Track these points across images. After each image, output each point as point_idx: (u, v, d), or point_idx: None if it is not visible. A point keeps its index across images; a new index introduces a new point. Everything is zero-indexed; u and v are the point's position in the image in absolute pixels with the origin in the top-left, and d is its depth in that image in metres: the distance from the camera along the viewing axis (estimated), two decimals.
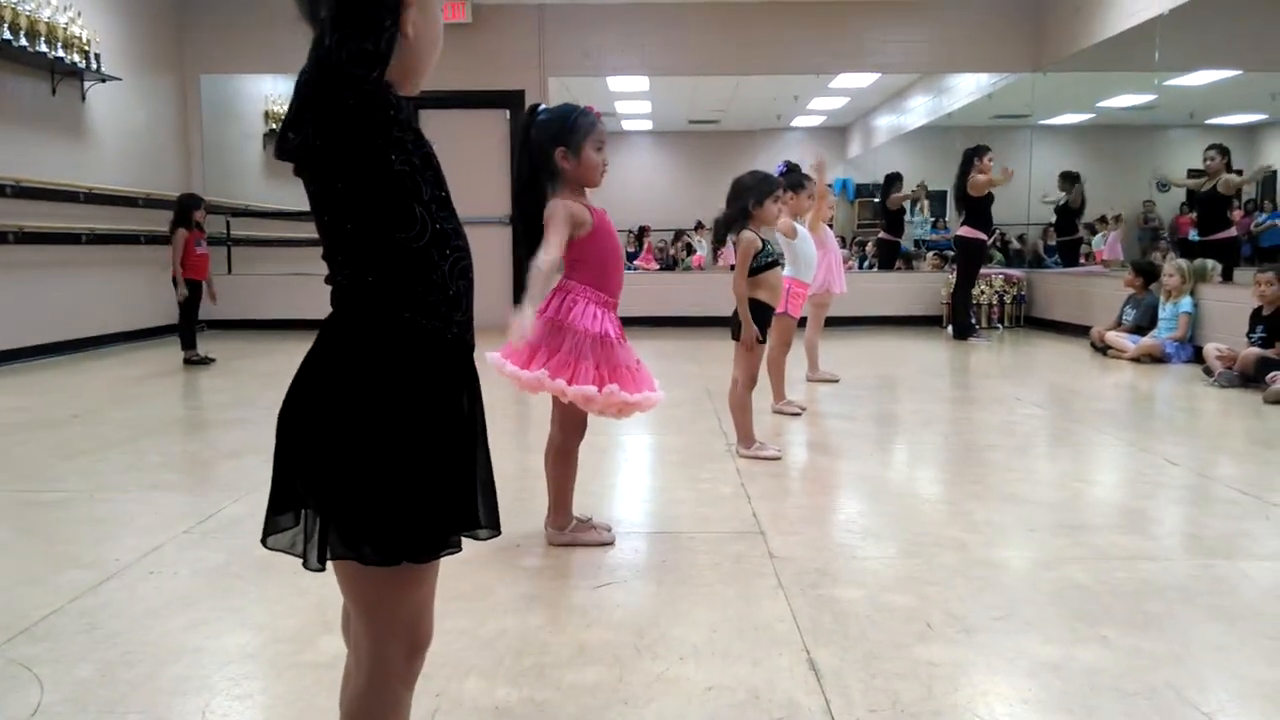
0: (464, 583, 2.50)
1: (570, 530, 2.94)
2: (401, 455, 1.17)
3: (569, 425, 2.94)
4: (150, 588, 2.58)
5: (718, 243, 4.38)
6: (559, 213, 2.71)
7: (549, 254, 2.62)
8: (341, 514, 1.17)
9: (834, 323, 9.29)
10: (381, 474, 1.17)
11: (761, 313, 4.03)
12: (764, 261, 3.99)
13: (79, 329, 8.03)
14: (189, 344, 7.25)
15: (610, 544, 2.93)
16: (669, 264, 12.95)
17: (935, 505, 3.46)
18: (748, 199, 3.96)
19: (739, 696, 1.94)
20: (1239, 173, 8.35)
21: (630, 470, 4.06)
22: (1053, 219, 11.16)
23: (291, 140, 1.15)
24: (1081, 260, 10.90)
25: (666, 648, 2.17)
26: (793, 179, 5.09)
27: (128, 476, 3.81)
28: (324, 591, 2.40)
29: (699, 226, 13.86)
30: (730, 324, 4.07)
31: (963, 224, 9.00)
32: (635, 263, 12.13)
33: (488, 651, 2.15)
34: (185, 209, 7.26)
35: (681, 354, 7.78)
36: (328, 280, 1.23)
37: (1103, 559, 2.77)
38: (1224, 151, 7.92)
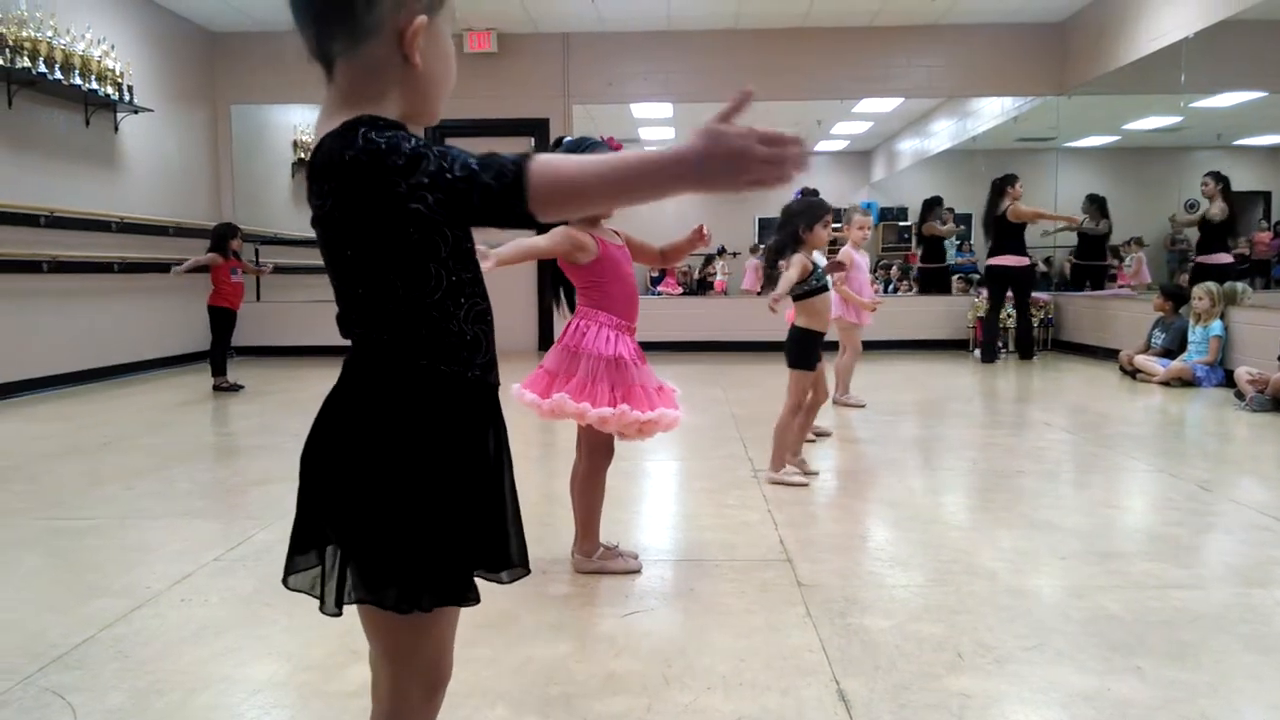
0: (490, 610, 2.50)
1: (597, 558, 2.94)
2: (423, 500, 1.16)
3: (594, 451, 2.94)
4: (181, 616, 2.59)
5: (770, 268, 4.39)
6: (556, 233, 2.79)
7: (518, 241, 2.65)
8: (364, 558, 1.16)
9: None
10: (404, 519, 1.15)
11: (810, 339, 4.08)
12: (813, 285, 4.04)
13: (110, 356, 8.14)
14: (219, 370, 7.32)
15: (637, 572, 2.93)
16: (693, 289, 12.95)
17: (964, 532, 3.43)
18: (798, 224, 4.04)
19: None
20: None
21: (656, 497, 4.06)
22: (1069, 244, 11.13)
23: (312, 202, 1.15)
24: (1106, 284, 10.84)
25: (694, 677, 2.16)
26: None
27: (158, 504, 3.84)
28: (351, 621, 2.39)
29: (721, 252, 13.88)
30: (786, 349, 4.12)
31: (998, 252, 9.07)
32: (659, 288, 12.14)
33: (515, 680, 2.15)
34: (222, 237, 7.38)
35: (705, 378, 7.77)
36: (344, 334, 1.22)
37: (1135, 587, 2.74)
38: (1218, 178, 8.23)
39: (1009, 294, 9.25)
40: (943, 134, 12.68)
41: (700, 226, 2.97)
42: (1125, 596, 2.66)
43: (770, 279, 4.56)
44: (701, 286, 13.00)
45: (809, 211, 4.07)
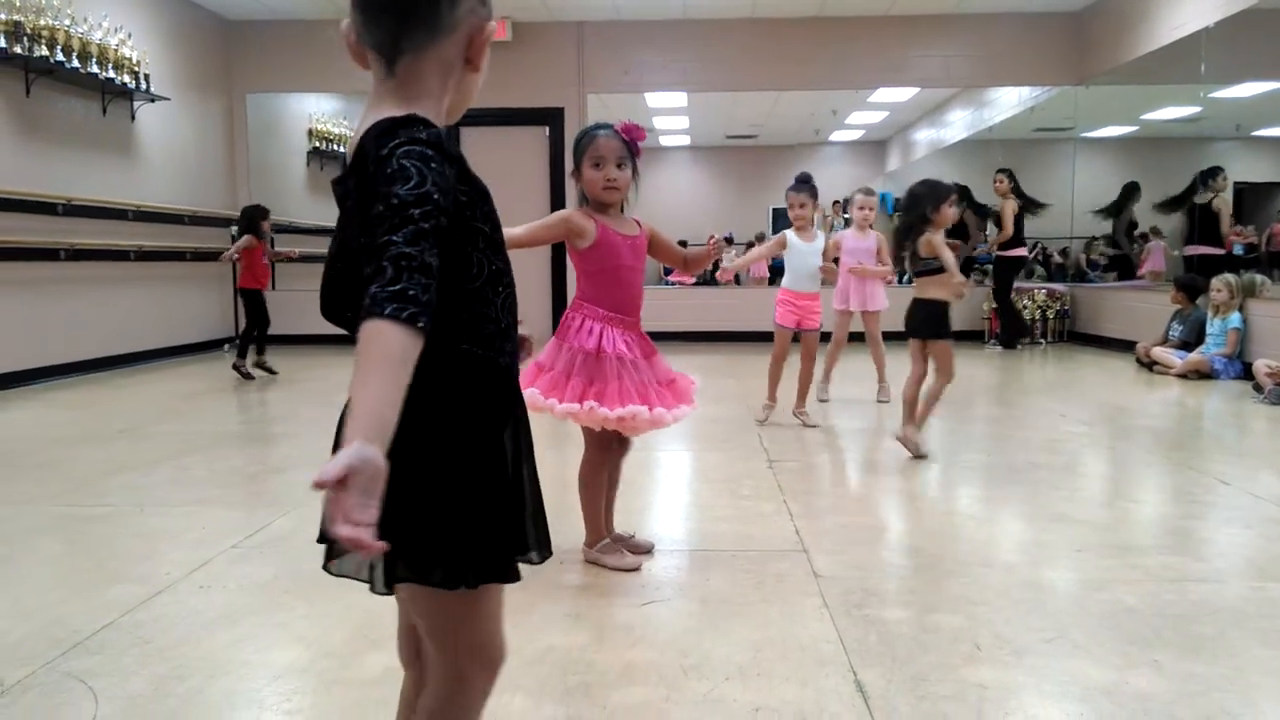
0: (508, 600, 2.50)
1: (598, 549, 2.93)
2: (467, 480, 1.18)
3: (591, 444, 2.94)
4: (200, 602, 2.61)
5: (899, 249, 4.50)
6: (555, 217, 2.81)
7: (513, 229, 2.64)
8: (411, 539, 1.17)
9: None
10: (450, 499, 1.17)
11: (943, 309, 4.32)
12: (934, 265, 4.23)
13: (127, 344, 8.18)
14: (242, 354, 7.41)
15: (634, 569, 2.87)
16: (704, 279, 12.92)
17: (981, 524, 3.43)
18: (925, 206, 4.22)
19: (786, 717, 1.92)
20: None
21: (671, 487, 4.06)
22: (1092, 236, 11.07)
23: (349, 186, 1.15)
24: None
25: (712, 668, 2.16)
26: (812, 190, 5.11)
27: (175, 491, 3.87)
28: (370, 607, 2.41)
29: (730, 240, 13.87)
30: (915, 323, 4.36)
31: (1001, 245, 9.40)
32: (670, 278, 12.11)
33: (534, 670, 2.16)
34: (253, 219, 7.43)
35: (719, 369, 7.77)
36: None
37: (1153, 580, 2.73)
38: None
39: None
40: (959, 124, 12.61)
41: (712, 237, 2.94)
42: (1143, 590, 2.65)
43: (897, 260, 4.69)
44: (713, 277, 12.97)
45: (935, 193, 4.23)
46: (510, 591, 1.31)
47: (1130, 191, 11.25)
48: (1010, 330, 9.54)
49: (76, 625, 2.43)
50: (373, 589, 1.24)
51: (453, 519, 1.17)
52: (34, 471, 4.23)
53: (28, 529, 3.38)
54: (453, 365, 1.19)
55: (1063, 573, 2.84)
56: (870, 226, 6.07)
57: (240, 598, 2.65)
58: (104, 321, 7.91)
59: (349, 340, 1.10)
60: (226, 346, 9.65)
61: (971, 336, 10.05)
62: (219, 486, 3.98)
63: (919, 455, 4.33)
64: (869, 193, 6.06)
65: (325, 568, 1.26)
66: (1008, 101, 11.06)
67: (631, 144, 2.80)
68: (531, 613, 2.49)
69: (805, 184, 5.06)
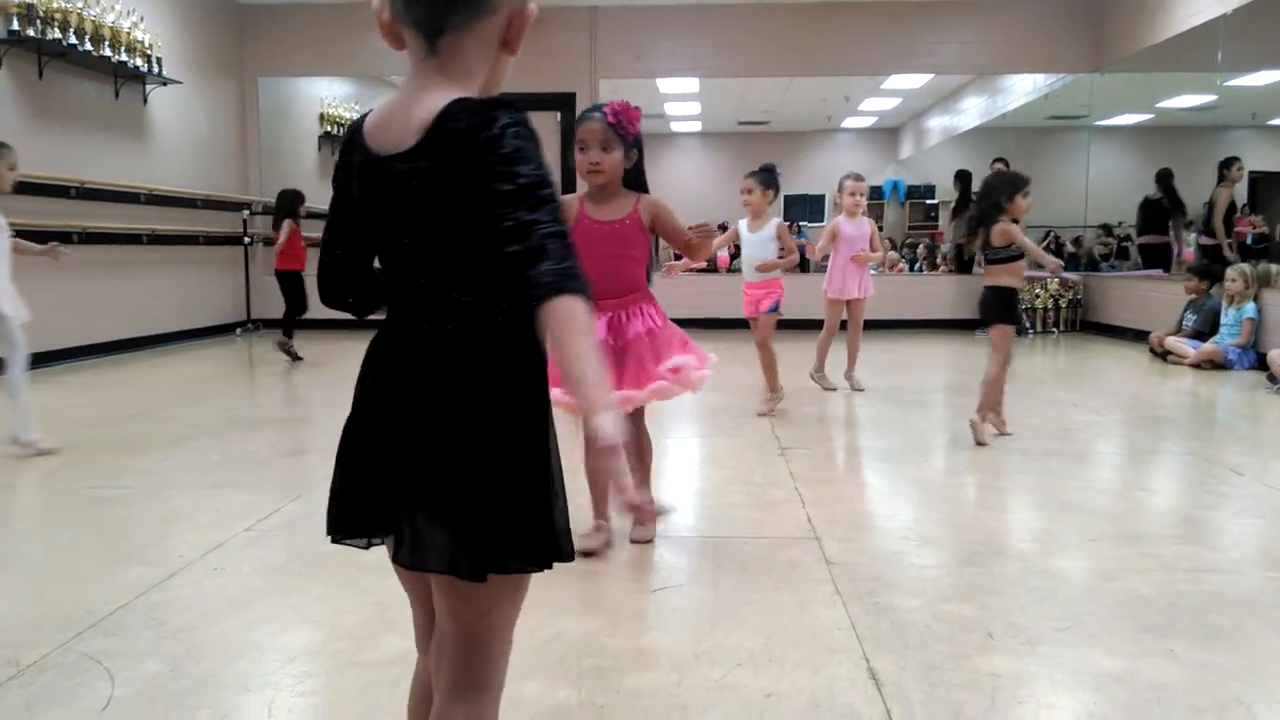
0: None
1: (589, 530, 2.91)
2: (544, 464, 1.17)
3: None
4: (214, 584, 2.62)
5: (970, 236, 4.59)
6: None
7: None
8: (490, 529, 1.13)
9: (880, 325, 9.25)
10: (532, 484, 1.15)
11: (1012, 296, 4.48)
12: (1015, 252, 4.34)
13: (140, 328, 8.20)
14: (289, 332, 7.50)
15: (593, 553, 2.82)
16: (713, 265, 12.88)
17: (993, 513, 3.42)
18: (999, 195, 4.35)
19: (799, 704, 1.92)
20: None
21: (682, 473, 4.06)
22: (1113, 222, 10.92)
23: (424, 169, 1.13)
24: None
25: (724, 653, 2.16)
26: (765, 178, 5.08)
27: (189, 474, 3.88)
28: (382, 592, 2.43)
29: (724, 228, 13.84)
30: (987, 308, 4.49)
31: None
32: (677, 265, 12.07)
33: (546, 654, 2.16)
34: (291, 203, 7.46)
35: (729, 356, 7.73)
36: (415, 295, 1.19)
37: (1167, 570, 2.72)
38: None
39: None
40: (972, 111, 12.54)
41: (692, 227, 2.89)
42: (1157, 579, 2.64)
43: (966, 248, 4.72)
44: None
45: (1011, 183, 4.36)
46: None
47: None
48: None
49: (92, 606, 2.44)
50: (454, 571, 1.15)
51: (535, 502, 1.15)
52: (48, 454, 4.24)
53: (43, 510, 3.40)
54: (528, 352, 1.17)
55: (1076, 562, 2.83)
56: (863, 213, 6.02)
57: (254, 580, 2.66)
58: (117, 305, 7.93)
59: (350, 325, 1.10)
60: (239, 331, 9.68)
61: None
62: (232, 470, 3.99)
63: (980, 442, 4.37)
64: (859, 179, 5.98)
65: (416, 567, 1.18)
66: (1022, 89, 10.99)
67: (619, 126, 2.76)
68: (544, 597, 2.48)
69: (759, 171, 5.09)
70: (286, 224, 7.37)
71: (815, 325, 6.10)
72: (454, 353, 1.15)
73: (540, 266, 1.05)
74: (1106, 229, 11.71)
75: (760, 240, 5.12)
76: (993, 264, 4.43)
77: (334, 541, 1.25)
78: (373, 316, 1.32)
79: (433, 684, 1.26)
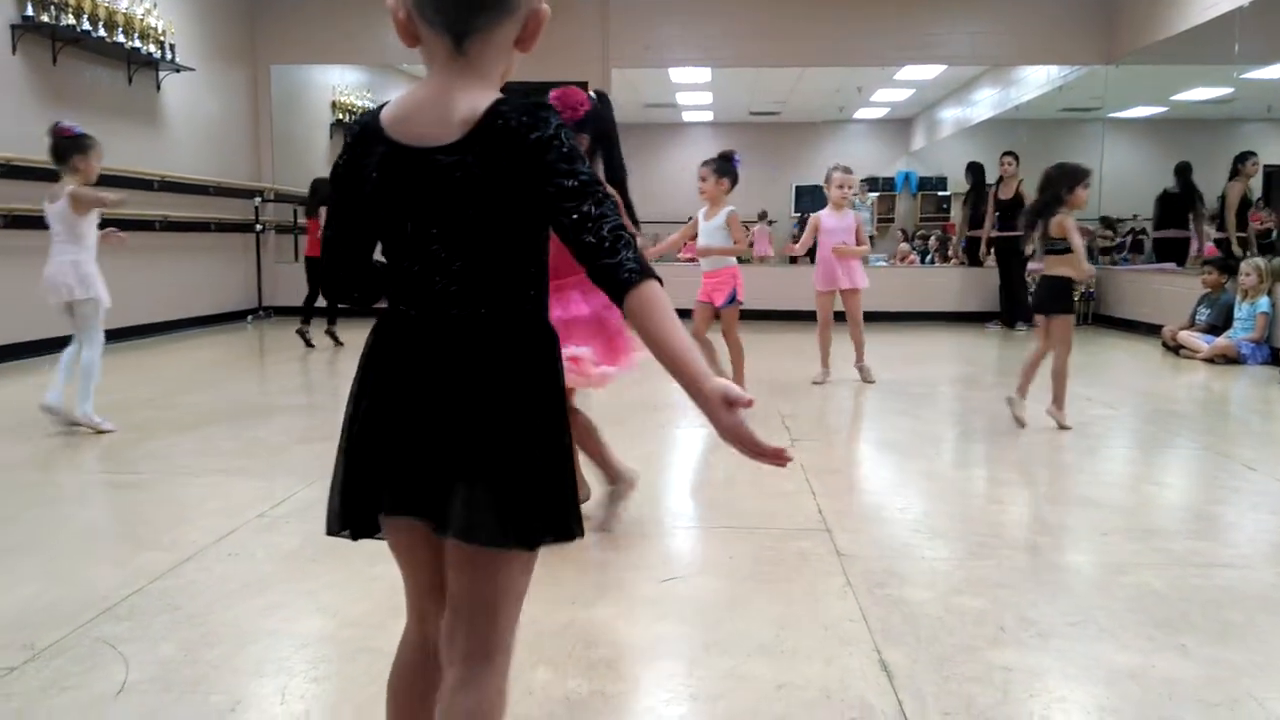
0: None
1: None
2: (568, 438, 1.24)
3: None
4: (227, 570, 2.63)
5: (1029, 228, 4.62)
6: None
7: None
8: (533, 501, 1.19)
9: (891, 318, 9.23)
10: (561, 457, 1.22)
11: (1068, 286, 4.56)
12: (1063, 245, 4.42)
13: (151, 314, 8.22)
14: (332, 320, 7.67)
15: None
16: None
17: (1004, 506, 3.41)
18: (1060, 187, 4.41)
19: (810, 695, 1.93)
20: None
21: (692, 463, 4.06)
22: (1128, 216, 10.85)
23: (454, 163, 1.16)
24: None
25: (735, 644, 2.17)
26: (720, 165, 5.09)
27: (202, 460, 3.90)
28: (395, 576, 2.42)
29: (763, 216, 13.86)
30: (1042, 299, 4.59)
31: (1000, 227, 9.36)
32: (681, 254, 12.06)
33: (557, 642, 2.17)
34: (327, 192, 7.47)
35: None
36: (447, 283, 1.21)
37: (1179, 565, 2.71)
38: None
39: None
40: (985, 103, 12.48)
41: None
42: (1169, 574, 2.63)
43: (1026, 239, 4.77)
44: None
45: (1071, 176, 4.40)
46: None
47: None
48: (1009, 310, 9.49)
49: (106, 591, 2.46)
50: (493, 542, 1.18)
51: (562, 475, 1.23)
52: (62, 439, 4.27)
53: (57, 495, 3.42)
54: (548, 335, 1.25)
55: (1088, 556, 2.83)
56: (852, 206, 5.98)
57: (267, 566, 2.67)
58: (129, 291, 7.92)
59: (361, 312, 1.24)
60: (250, 319, 9.70)
61: (989, 318, 9.96)
62: (245, 456, 4.01)
63: (1022, 424, 4.57)
64: (847, 171, 5.93)
65: (473, 541, 1.19)
66: (1035, 80, 10.93)
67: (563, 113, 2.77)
68: (555, 585, 2.50)
69: (715, 159, 5.13)
70: (323, 210, 7.39)
71: (809, 316, 6.13)
72: (490, 335, 1.20)
73: (620, 255, 1.13)
74: (1107, 222, 11.63)
75: (711, 229, 5.18)
76: (1050, 254, 4.51)
77: (329, 534, 1.32)
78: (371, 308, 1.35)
79: (444, 658, 1.30)
